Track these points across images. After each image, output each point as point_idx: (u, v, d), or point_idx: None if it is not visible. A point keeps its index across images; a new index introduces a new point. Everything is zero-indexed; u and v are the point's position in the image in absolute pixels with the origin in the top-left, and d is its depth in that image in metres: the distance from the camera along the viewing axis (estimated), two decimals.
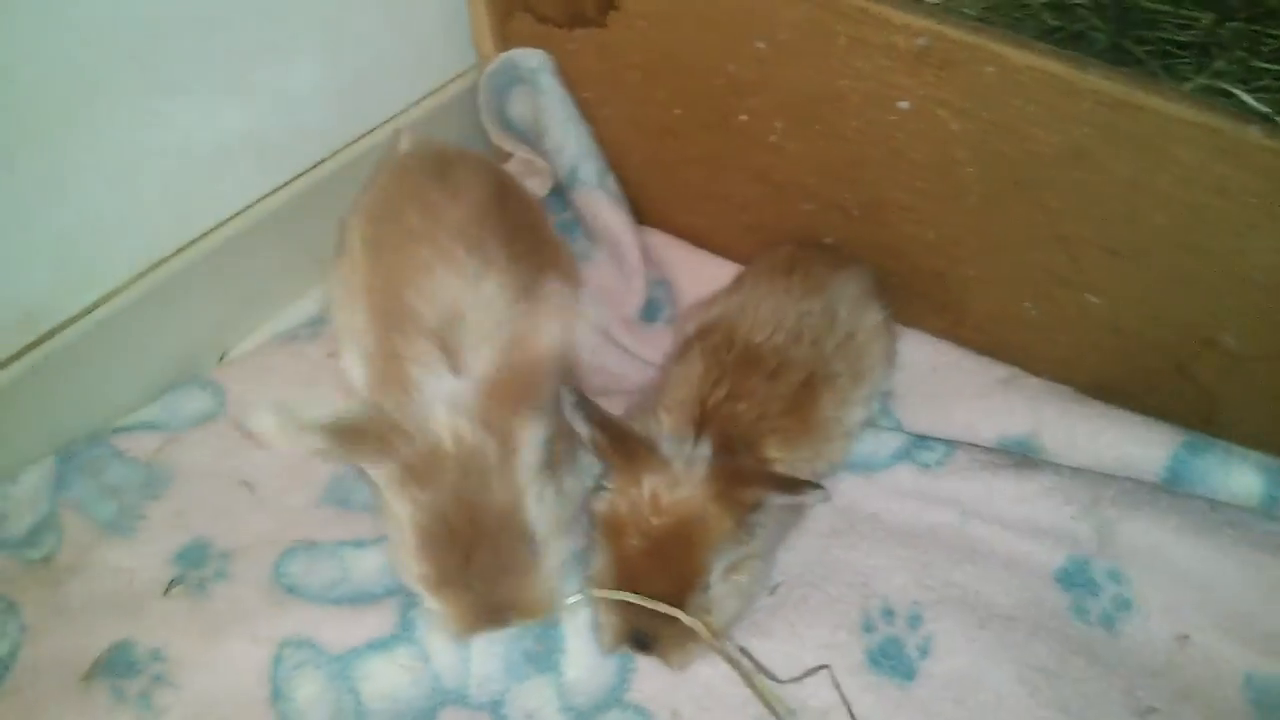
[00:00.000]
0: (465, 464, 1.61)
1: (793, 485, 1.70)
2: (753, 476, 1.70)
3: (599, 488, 1.74)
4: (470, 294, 1.76)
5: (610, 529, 1.69)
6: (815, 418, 1.88)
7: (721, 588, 1.70)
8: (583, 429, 1.71)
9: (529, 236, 1.92)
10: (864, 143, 2.03)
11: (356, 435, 1.60)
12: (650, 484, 1.66)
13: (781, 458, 1.81)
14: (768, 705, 1.76)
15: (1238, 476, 1.92)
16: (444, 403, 1.64)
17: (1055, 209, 1.90)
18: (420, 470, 1.61)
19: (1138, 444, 1.94)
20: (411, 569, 1.66)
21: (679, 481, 1.66)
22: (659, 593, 1.64)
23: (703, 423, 1.79)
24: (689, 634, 1.67)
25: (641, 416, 1.87)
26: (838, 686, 1.80)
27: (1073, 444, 1.99)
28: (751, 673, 1.78)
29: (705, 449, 1.70)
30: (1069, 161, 1.83)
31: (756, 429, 1.80)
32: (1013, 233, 1.98)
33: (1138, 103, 1.71)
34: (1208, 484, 1.90)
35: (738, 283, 2.16)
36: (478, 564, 1.62)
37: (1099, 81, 1.73)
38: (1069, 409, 2.02)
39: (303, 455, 1.64)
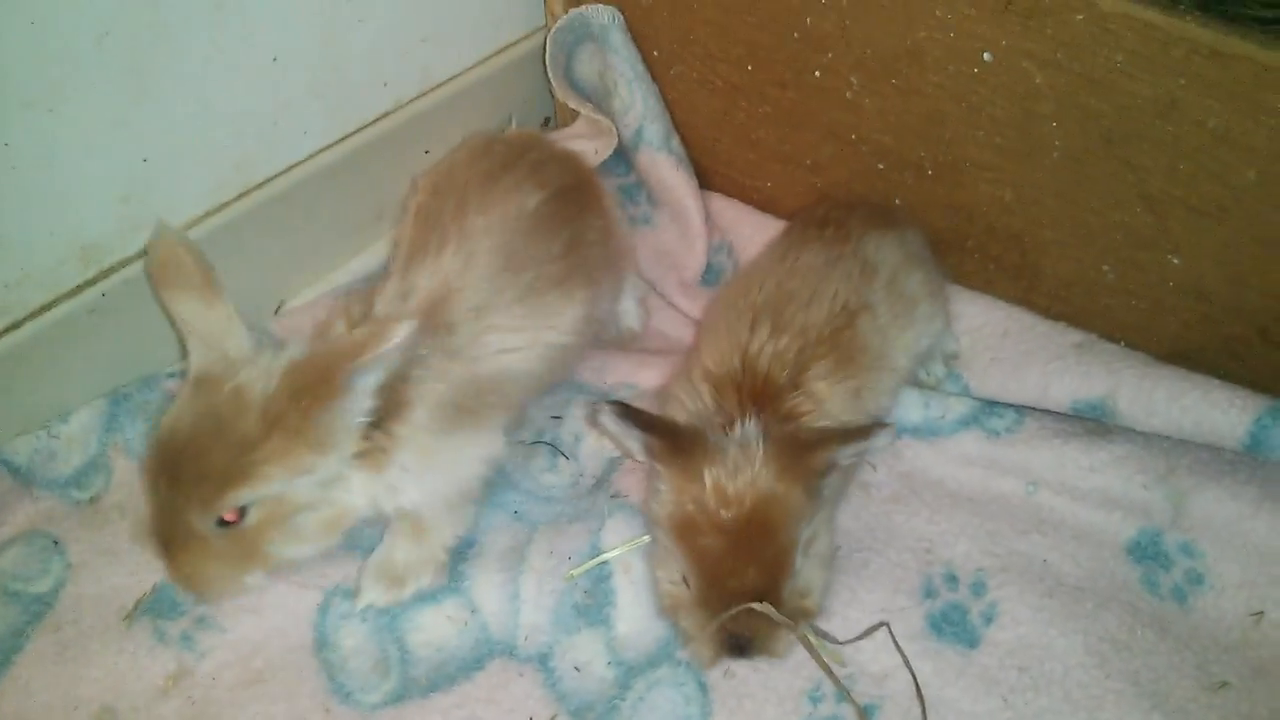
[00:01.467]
0: (238, 404, 1.60)
1: (860, 433, 1.66)
2: (818, 439, 1.65)
3: (655, 490, 1.70)
4: (438, 285, 1.78)
5: (682, 531, 1.63)
6: (856, 343, 1.84)
7: (807, 564, 1.67)
8: (632, 436, 1.67)
9: (543, 264, 1.88)
10: (943, 98, 1.99)
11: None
12: (712, 476, 1.61)
13: (827, 388, 1.76)
14: (829, 674, 1.73)
15: None
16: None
17: (1142, 166, 1.85)
18: (207, 381, 1.63)
19: (1219, 408, 1.86)
20: None
21: (740, 467, 1.61)
22: (750, 586, 1.59)
23: (745, 371, 1.75)
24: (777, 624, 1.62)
25: (679, 386, 1.83)
26: (897, 644, 1.76)
27: (1150, 408, 1.92)
28: (819, 647, 1.74)
29: (754, 426, 1.66)
30: (1159, 115, 1.78)
31: (800, 360, 1.76)
32: (1095, 191, 1.93)
33: (1233, 51, 1.66)
34: None
35: (769, 244, 2.15)
36: (164, 486, 1.60)
37: (1194, 29, 1.68)
38: (1147, 372, 1.95)
39: None
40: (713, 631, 1.62)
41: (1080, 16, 1.76)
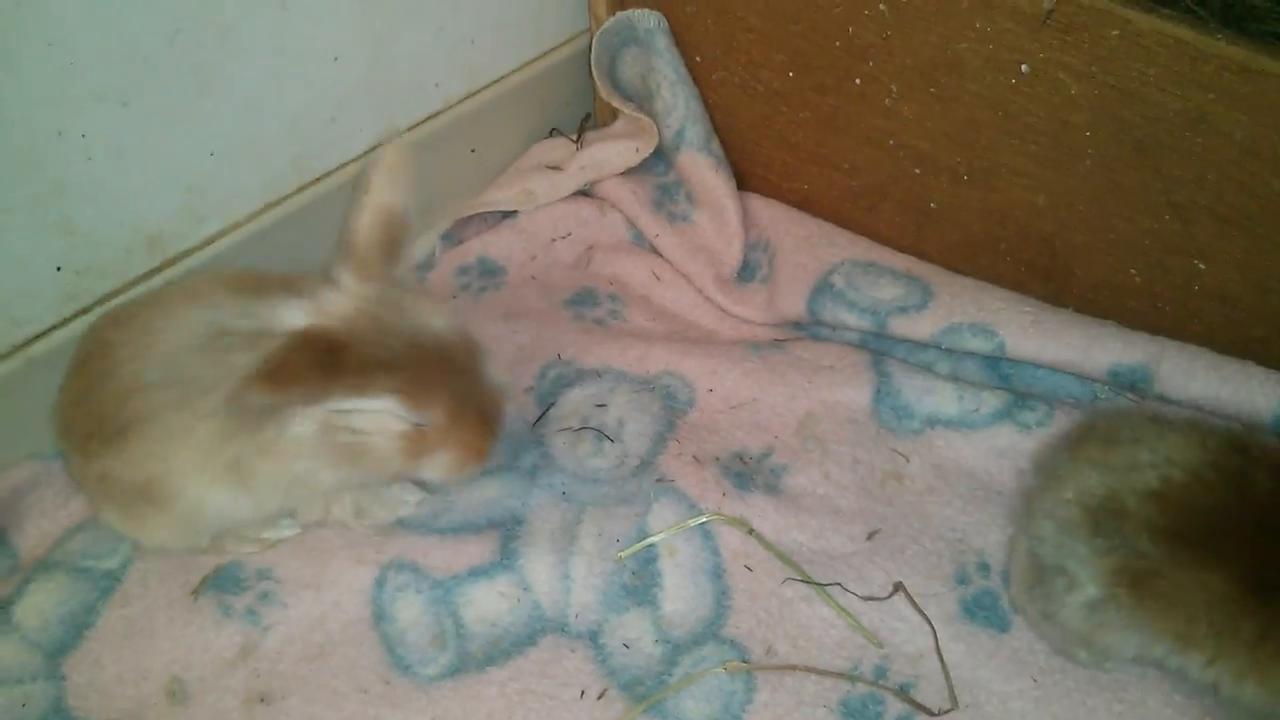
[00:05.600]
0: None
1: None
2: None
3: None
4: None
5: None
6: None
7: None
8: None
9: None
10: (980, 106, 2.07)
11: None
12: None
13: None
14: (860, 629, 1.84)
15: None
16: None
17: (1171, 175, 1.93)
18: None
19: (1255, 379, 1.95)
20: None
21: None
22: None
23: None
24: None
25: None
26: (914, 602, 1.87)
27: (1190, 375, 1.99)
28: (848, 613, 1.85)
29: None
30: (1188, 127, 1.86)
31: None
32: (1126, 199, 2.01)
33: (1261, 68, 1.75)
34: None
35: None
36: None
37: (1224, 47, 1.77)
38: (1187, 345, 2.04)
39: None
40: None
41: (1116, 32, 1.85)
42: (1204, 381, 1.98)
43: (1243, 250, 1.94)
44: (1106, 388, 2.14)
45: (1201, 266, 2.00)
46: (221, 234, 2.16)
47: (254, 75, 2.06)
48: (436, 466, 1.77)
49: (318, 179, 2.28)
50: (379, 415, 1.68)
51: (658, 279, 2.48)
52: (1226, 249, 1.96)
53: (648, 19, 2.42)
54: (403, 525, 1.98)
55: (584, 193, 2.61)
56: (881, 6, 2.07)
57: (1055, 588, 1.70)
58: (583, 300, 2.43)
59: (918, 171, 2.24)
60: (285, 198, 2.24)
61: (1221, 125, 1.83)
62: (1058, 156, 2.04)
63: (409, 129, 2.40)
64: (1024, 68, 1.97)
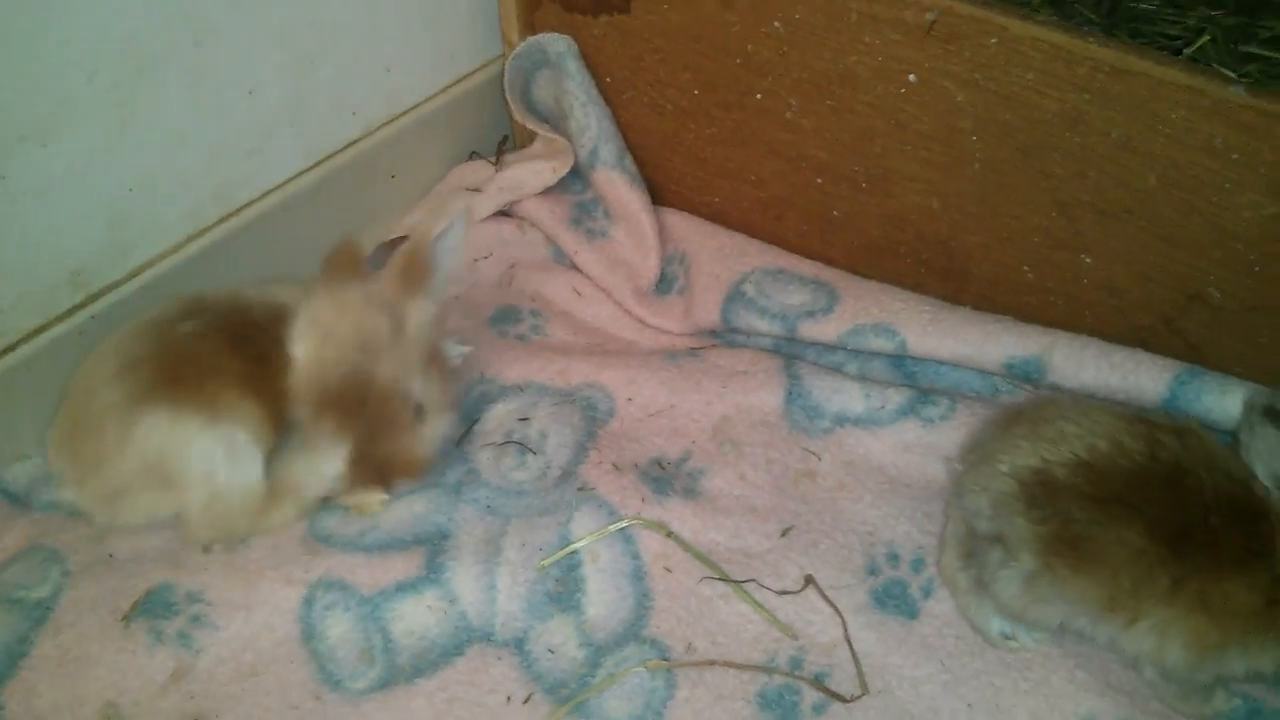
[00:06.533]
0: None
1: None
2: None
3: None
4: None
5: None
6: None
7: None
8: None
9: None
10: (873, 116, 2.15)
11: None
12: None
13: None
14: (776, 624, 1.90)
15: (1233, 400, 1.97)
16: None
17: (1054, 174, 2.02)
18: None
19: (1143, 365, 2.02)
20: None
21: None
22: None
23: None
24: None
25: None
26: (824, 595, 1.92)
27: (1081, 363, 2.07)
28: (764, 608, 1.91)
29: None
30: (1067, 127, 1.95)
31: None
32: (1014, 198, 2.10)
33: (1131, 68, 1.84)
34: (1203, 404, 1.98)
35: None
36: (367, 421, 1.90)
37: (1095, 49, 1.86)
38: (1078, 337, 2.11)
39: None
40: None
41: (994, 40, 1.93)
42: (1094, 369, 2.06)
43: (1124, 242, 2.02)
44: (1004, 379, 2.22)
45: (1088, 260, 2.09)
46: (146, 266, 2.19)
47: (173, 110, 2.10)
48: None
49: (240, 209, 2.32)
50: None
51: (578, 294, 2.54)
52: (1110, 242, 2.04)
53: (558, 42, 2.49)
54: (330, 544, 2.01)
55: (504, 213, 2.67)
56: (776, 24, 2.15)
57: (990, 561, 1.78)
58: (505, 318, 2.49)
59: (820, 181, 2.32)
60: (208, 228, 2.27)
61: (1097, 124, 1.92)
62: (947, 161, 2.12)
63: (330, 156, 2.45)
64: (911, 77, 2.06)
